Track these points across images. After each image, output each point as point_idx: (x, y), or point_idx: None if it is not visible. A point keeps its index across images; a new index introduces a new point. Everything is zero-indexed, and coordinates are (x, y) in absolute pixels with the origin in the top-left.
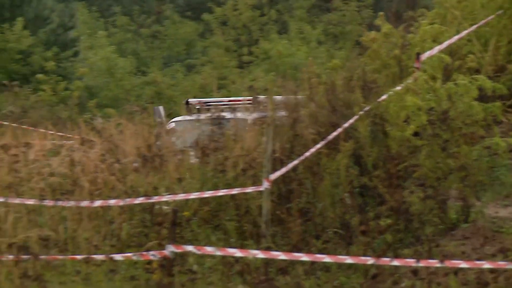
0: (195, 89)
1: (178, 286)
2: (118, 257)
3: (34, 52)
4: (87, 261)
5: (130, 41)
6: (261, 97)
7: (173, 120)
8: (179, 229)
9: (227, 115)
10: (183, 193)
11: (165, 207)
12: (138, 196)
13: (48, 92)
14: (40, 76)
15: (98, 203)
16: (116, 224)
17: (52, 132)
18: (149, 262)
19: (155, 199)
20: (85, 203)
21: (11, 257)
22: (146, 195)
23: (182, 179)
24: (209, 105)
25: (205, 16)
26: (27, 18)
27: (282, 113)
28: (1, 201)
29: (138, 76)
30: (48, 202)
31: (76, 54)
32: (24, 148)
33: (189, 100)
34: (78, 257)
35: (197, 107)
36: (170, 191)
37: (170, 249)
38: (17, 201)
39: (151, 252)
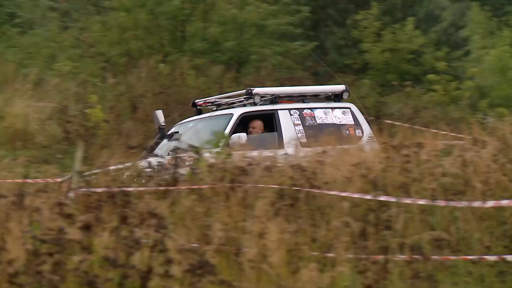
0: None
1: None
2: (510, 258)
3: (425, 52)
4: (478, 261)
5: None
6: (257, 89)
7: (178, 123)
8: None
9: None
10: None
11: None
12: None
13: (439, 92)
14: (431, 76)
15: (490, 203)
16: (508, 225)
17: (444, 132)
18: None
19: None
20: (477, 204)
21: (403, 257)
22: None
23: None
24: (213, 104)
25: None
26: (418, 18)
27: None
28: (393, 201)
29: None
30: (440, 202)
31: (467, 53)
32: (416, 148)
33: (196, 101)
34: (470, 257)
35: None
36: None
37: None
38: (408, 201)
39: None
